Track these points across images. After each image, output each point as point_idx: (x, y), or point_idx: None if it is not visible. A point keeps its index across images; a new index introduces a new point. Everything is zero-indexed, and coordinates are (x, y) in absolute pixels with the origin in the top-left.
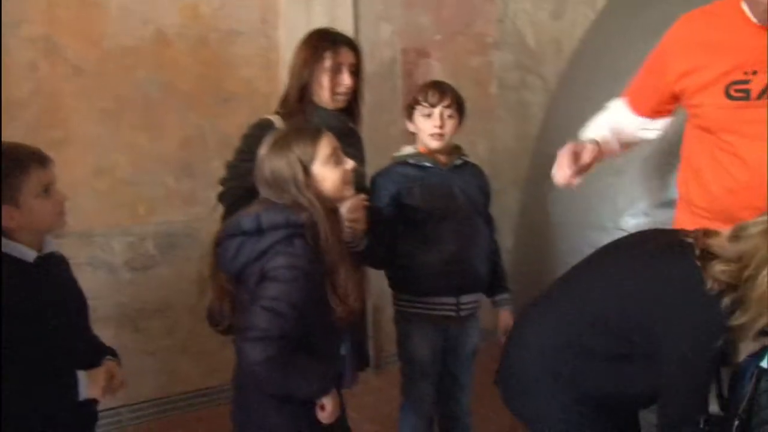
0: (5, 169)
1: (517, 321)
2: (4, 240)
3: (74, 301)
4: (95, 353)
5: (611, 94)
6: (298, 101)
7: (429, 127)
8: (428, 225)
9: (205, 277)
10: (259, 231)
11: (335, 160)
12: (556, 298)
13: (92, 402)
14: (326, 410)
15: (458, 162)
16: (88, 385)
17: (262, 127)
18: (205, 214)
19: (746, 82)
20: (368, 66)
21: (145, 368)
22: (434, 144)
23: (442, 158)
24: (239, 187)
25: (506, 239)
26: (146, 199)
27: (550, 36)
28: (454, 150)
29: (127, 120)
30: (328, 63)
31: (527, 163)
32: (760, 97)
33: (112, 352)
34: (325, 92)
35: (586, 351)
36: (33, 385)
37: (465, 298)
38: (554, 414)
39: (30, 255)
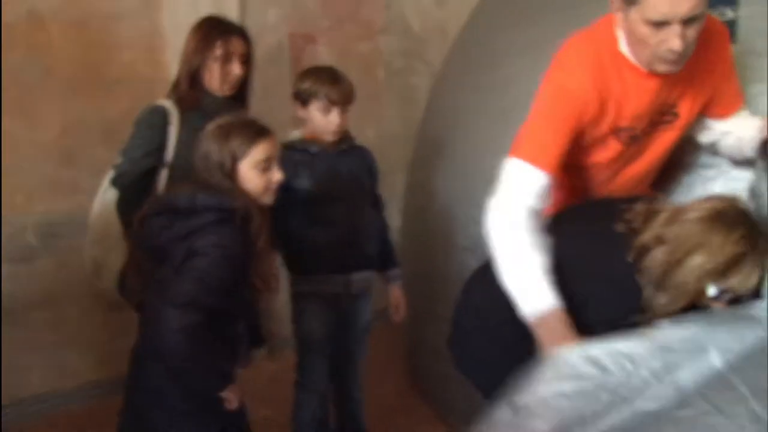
0: None
1: (465, 286)
2: None
3: None
4: None
5: (488, 79)
6: (190, 88)
7: (328, 123)
8: (317, 207)
9: (99, 262)
10: (192, 210)
11: (264, 167)
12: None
13: None
14: (231, 402)
15: (344, 146)
16: None
17: (154, 113)
18: (88, 203)
19: (633, 128)
20: (255, 51)
21: (30, 364)
22: (332, 137)
23: (329, 143)
24: (133, 172)
25: (394, 220)
26: (25, 188)
27: (436, 22)
28: (341, 134)
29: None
30: (218, 52)
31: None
32: (643, 135)
33: None
34: (216, 80)
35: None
36: None
37: (355, 276)
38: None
39: None
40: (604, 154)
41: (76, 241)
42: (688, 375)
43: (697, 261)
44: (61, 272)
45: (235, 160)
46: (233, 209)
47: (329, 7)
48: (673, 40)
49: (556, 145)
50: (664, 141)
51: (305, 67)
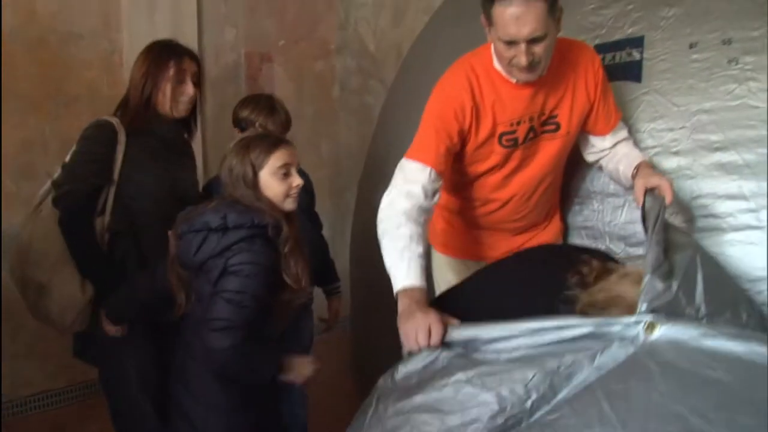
0: None
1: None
2: None
3: None
4: None
5: None
6: (143, 110)
7: None
8: None
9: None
10: (224, 227)
11: (284, 173)
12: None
13: None
14: (299, 378)
15: None
16: None
17: (99, 128)
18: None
19: (513, 132)
20: (213, 69)
21: None
22: None
23: None
24: (79, 191)
25: (348, 234)
26: None
27: (391, 42)
28: None
29: None
30: (171, 72)
31: None
32: (524, 141)
33: None
34: (168, 101)
35: None
36: None
37: None
38: None
39: None
40: (492, 159)
41: None
42: (568, 391)
43: (614, 312)
44: None
45: (255, 169)
46: (265, 225)
47: (285, 27)
48: (520, 57)
49: (436, 141)
50: (551, 149)
51: (261, 86)
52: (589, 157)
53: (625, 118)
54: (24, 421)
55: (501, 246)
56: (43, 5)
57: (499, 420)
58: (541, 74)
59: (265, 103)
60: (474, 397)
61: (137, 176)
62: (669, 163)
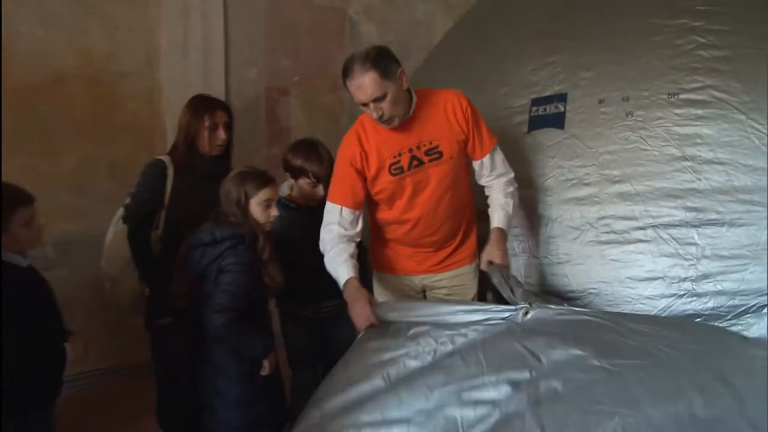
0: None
1: None
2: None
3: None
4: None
5: None
6: (186, 151)
7: (315, 194)
8: (292, 252)
9: (115, 278)
10: (214, 242)
11: (266, 205)
12: None
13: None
14: (264, 368)
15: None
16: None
17: (153, 166)
18: (96, 225)
19: (398, 162)
20: (237, 102)
21: None
22: (317, 203)
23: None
24: (139, 213)
25: None
26: (45, 213)
27: None
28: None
29: (27, 148)
30: (206, 123)
31: None
32: (410, 168)
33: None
34: (205, 144)
35: None
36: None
37: (325, 303)
38: None
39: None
40: (389, 186)
41: (85, 256)
42: (462, 345)
43: None
44: (72, 280)
45: (248, 197)
46: (242, 234)
47: (300, 65)
48: (371, 113)
49: (340, 185)
50: (440, 173)
51: (278, 116)
52: (478, 181)
53: (551, 156)
54: (74, 396)
55: (427, 261)
56: (98, 50)
57: (413, 362)
58: (401, 119)
59: (314, 153)
60: (396, 342)
61: (178, 204)
62: (582, 192)
